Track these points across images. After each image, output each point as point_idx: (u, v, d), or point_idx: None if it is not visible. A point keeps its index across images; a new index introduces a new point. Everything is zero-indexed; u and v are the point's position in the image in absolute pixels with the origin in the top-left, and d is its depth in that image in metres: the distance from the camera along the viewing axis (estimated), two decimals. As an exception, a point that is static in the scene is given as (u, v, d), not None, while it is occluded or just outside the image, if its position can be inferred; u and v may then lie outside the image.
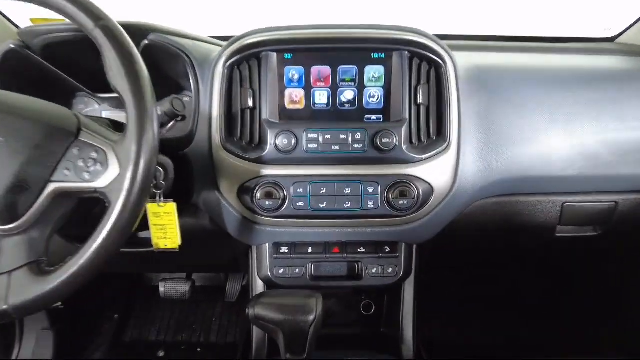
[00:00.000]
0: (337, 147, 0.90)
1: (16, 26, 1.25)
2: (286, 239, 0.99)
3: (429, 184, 0.92)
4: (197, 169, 0.94)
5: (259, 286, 1.03)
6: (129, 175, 0.63)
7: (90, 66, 0.80)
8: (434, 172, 0.92)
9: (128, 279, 1.86)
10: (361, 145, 0.90)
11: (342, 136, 0.90)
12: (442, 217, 0.97)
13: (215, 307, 1.82)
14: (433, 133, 0.93)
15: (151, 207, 0.84)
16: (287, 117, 0.95)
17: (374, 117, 0.95)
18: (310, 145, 0.90)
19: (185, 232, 1.01)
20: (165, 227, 0.86)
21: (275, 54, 0.92)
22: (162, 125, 0.79)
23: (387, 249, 0.99)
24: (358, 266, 0.99)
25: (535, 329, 1.64)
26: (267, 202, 0.89)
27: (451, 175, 0.93)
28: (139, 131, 0.64)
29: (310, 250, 0.98)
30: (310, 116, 0.95)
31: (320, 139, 0.90)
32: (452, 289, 1.76)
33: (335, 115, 0.95)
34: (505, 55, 1.16)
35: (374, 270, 0.98)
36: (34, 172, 0.64)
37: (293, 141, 0.88)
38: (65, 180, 0.65)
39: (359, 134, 0.90)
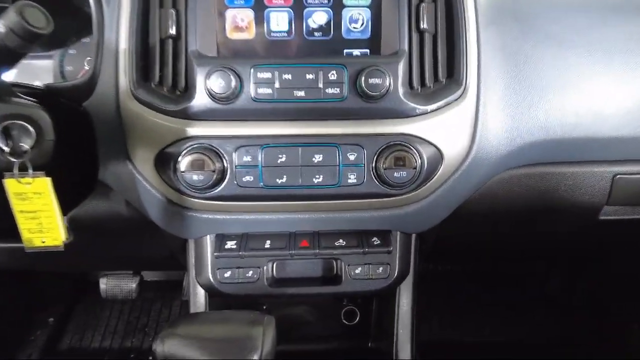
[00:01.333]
0: (301, 94, 0.60)
1: None
2: (234, 229, 0.70)
3: (436, 147, 0.63)
4: (101, 130, 0.64)
5: (199, 296, 0.74)
6: None
7: None
8: (444, 130, 0.63)
9: (67, 276, 1.56)
10: (338, 90, 0.60)
11: (309, 75, 0.60)
12: (453, 196, 0.69)
13: (172, 306, 1.53)
14: (442, 73, 0.64)
15: (10, 185, 0.54)
16: (230, 52, 0.65)
17: (356, 51, 0.65)
18: (261, 90, 0.60)
19: (94, 222, 0.71)
20: (39, 214, 0.56)
21: (208, -45, 0.62)
22: (7, 51, 0.48)
23: (376, 241, 0.70)
24: (336, 265, 0.71)
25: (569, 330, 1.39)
26: (195, 177, 0.59)
27: (468, 135, 0.65)
28: None
29: (268, 244, 0.69)
30: (264, 50, 0.65)
31: (277, 80, 0.60)
32: (457, 284, 1.50)
33: (300, 49, 0.65)
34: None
35: (357, 271, 0.70)
36: None
37: (233, 83, 0.58)
38: None
39: (334, 72, 0.60)
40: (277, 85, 0.60)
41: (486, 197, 0.74)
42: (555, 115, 0.68)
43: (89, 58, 0.77)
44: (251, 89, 0.60)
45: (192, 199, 0.63)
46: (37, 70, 0.81)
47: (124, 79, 0.61)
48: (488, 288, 1.49)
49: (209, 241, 0.70)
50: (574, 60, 0.69)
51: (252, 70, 0.59)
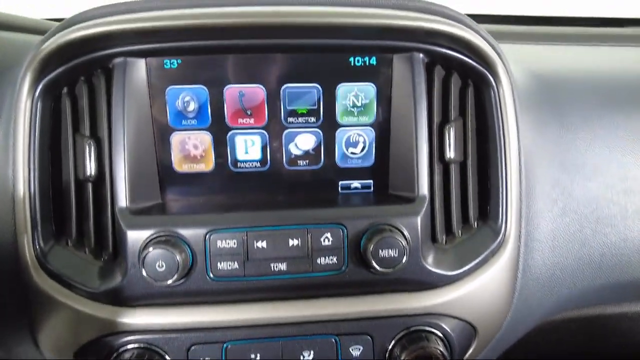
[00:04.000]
0: (282, 267, 0.42)
1: None
2: None
3: (468, 323, 0.46)
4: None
5: None
6: None
7: None
8: (478, 298, 0.46)
9: None
10: (334, 260, 0.42)
11: (293, 242, 0.41)
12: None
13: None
14: (474, 215, 0.47)
15: None
16: (180, 193, 0.46)
17: (356, 182, 0.48)
18: (222, 266, 0.41)
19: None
20: None
21: (143, 61, 0.43)
22: None
23: None
24: None
25: None
26: None
27: (507, 294, 0.48)
28: None
29: None
30: (227, 187, 0.46)
31: (245, 251, 0.41)
32: None
33: (278, 183, 0.47)
34: (561, 51, 0.71)
35: None
36: None
37: (180, 259, 0.39)
38: None
39: (328, 234, 0.42)
40: (246, 257, 0.41)
41: (522, 344, 0.57)
42: (613, 252, 0.52)
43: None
44: (208, 265, 0.41)
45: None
46: None
47: (26, 241, 0.42)
48: None
49: None
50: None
51: (208, 238, 0.41)
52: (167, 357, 0.41)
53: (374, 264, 0.40)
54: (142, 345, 0.41)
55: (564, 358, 0.61)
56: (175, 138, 0.45)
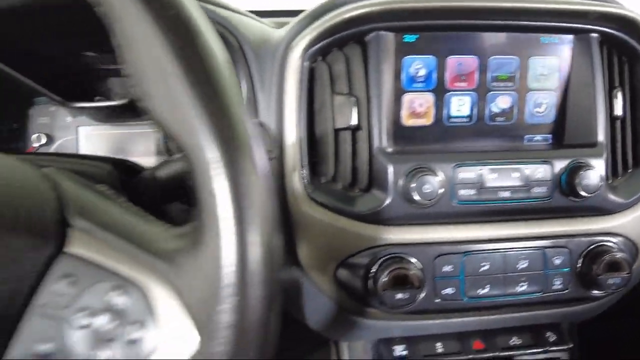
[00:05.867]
0: (506, 194, 0.54)
1: None
2: (397, 332, 0.62)
3: (633, 243, 0.59)
4: None
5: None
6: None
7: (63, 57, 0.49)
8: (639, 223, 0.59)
9: None
10: (544, 189, 0.55)
11: (515, 175, 0.54)
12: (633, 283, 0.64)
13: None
14: (631, 162, 0.60)
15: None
16: (404, 140, 0.58)
17: (538, 136, 0.60)
18: (463, 192, 0.53)
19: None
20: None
21: (392, 35, 0.55)
22: None
23: (551, 337, 0.64)
24: (512, 366, 0.64)
25: None
26: (398, 295, 0.52)
27: None
28: (242, 227, 0.25)
29: (440, 348, 0.62)
30: (441, 137, 0.58)
31: (481, 181, 0.54)
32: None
33: (480, 135, 0.59)
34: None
35: None
36: None
37: (437, 186, 0.51)
38: None
39: (540, 170, 0.54)
40: (481, 186, 0.53)
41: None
42: None
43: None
44: (453, 192, 0.53)
45: (376, 312, 0.56)
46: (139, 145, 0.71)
47: (295, 177, 0.53)
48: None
49: (364, 347, 0.63)
50: None
51: (455, 170, 0.53)
52: (419, 262, 0.53)
53: (577, 191, 0.53)
54: (397, 255, 0.53)
55: None
56: (406, 98, 0.57)
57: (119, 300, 0.27)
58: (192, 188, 0.26)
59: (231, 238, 0.25)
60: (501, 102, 0.59)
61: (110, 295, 0.27)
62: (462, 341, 0.62)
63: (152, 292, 0.27)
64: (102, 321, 0.26)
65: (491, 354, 0.62)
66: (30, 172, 0.30)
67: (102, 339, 0.26)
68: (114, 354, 0.26)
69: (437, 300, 0.54)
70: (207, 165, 0.25)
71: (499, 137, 0.59)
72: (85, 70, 0.65)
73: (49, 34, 0.55)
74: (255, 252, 0.25)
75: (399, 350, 0.61)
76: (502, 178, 0.54)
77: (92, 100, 0.67)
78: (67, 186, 0.30)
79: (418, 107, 0.58)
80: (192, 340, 0.26)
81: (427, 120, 0.58)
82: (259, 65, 0.57)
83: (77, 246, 0.27)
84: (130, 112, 0.65)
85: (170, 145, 0.67)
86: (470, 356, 0.61)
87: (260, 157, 0.26)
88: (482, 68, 0.57)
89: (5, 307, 0.25)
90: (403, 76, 0.57)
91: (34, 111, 0.68)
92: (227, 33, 0.56)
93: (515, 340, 0.63)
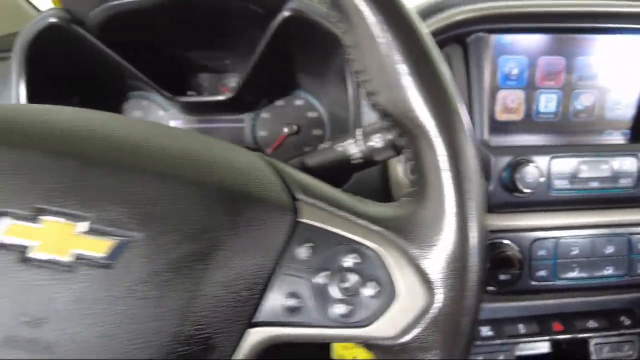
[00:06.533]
0: (595, 184, 0.59)
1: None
2: (485, 314, 0.66)
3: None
4: None
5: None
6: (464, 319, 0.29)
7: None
8: None
9: None
10: (629, 180, 0.59)
11: (604, 166, 0.59)
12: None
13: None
14: None
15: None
16: (497, 134, 0.62)
17: (616, 132, 0.65)
18: (558, 182, 0.58)
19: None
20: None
21: (491, 37, 0.59)
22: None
23: (626, 321, 0.69)
24: (587, 348, 0.69)
25: None
26: (501, 276, 0.56)
27: None
28: (467, 204, 0.29)
29: (522, 329, 0.66)
30: (529, 132, 0.63)
31: (574, 171, 0.58)
32: None
33: (564, 130, 0.64)
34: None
35: (605, 350, 0.68)
36: (210, 307, 0.27)
37: (537, 176, 0.55)
38: (284, 321, 0.29)
39: (627, 162, 0.59)
40: (574, 176, 0.58)
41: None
42: None
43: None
44: (550, 181, 0.57)
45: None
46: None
47: (399, 166, 0.57)
48: None
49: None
50: None
51: (551, 161, 0.57)
52: (519, 246, 0.57)
53: None
54: (497, 240, 0.57)
55: None
56: (500, 94, 0.62)
57: (356, 261, 0.30)
58: (413, 158, 0.30)
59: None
60: (584, 99, 0.63)
61: (349, 257, 0.30)
62: (542, 324, 0.66)
63: (385, 256, 0.30)
64: (342, 279, 0.30)
65: (570, 335, 0.66)
66: (255, 159, 0.33)
67: (342, 296, 0.30)
68: (354, 309, 0.30)
69: (532, 282, 0.58)
70: (428, 133, 0.29)
71: (581, 132, 0.64)
72: (188, 66, 0.68)
73: (175, 31, 0.58)
74: (477, 216, 0.29)
75: (485, 330, 0.65)
76: (591, 169, 0.58)
77: (185, 95, 0.70)
78: (285, 169, 0.33)
79: (510, 103, 0.62)
80: (424, 296, 0.30)
81: (517, 116, 0.63)
82: None
83: (310, 217, 0.31)
84: (222, 107, 0.69)
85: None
86: (551, 337, 0.65)
87: (468, 122, 0.30)
88: (569, 68, 0.62)
89: (256, 272, 0.29)
90: (499, 74, 0.61)
91: (127, 105, 0.71)
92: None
93: (591, 323, 0.67)
